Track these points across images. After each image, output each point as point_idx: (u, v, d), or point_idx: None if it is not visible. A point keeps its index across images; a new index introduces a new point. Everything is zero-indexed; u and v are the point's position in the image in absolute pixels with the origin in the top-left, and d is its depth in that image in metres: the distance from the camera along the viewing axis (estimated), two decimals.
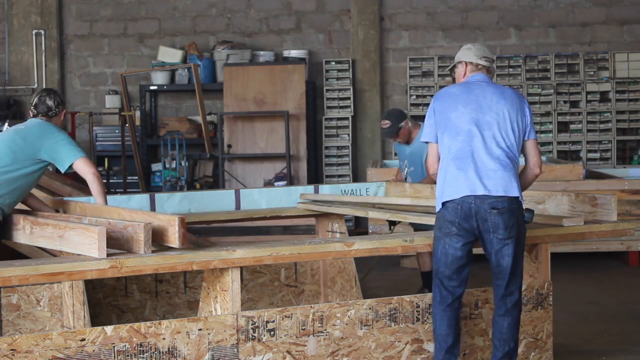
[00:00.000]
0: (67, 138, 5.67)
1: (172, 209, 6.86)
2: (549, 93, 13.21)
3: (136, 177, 12.99)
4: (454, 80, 5.56)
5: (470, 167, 5.03)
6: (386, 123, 7.74)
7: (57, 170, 6.60)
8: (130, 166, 13.21)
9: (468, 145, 5.06)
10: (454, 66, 5.41)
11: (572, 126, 13.23)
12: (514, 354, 5.18)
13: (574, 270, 9.27)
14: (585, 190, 8.62)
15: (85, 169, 5.58)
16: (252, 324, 4.86)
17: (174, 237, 4.71)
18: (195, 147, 13.26)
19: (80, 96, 14.04)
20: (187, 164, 12.64)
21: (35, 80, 13.73)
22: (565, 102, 13.26)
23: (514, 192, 5.03)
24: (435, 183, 5.29)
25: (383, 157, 12.99)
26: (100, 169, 13.29)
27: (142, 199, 6.98)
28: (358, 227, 12.26)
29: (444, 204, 5.07)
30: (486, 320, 5.45)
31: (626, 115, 13.19)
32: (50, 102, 5.74)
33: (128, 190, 12.70)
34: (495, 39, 13.68)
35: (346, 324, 5.11)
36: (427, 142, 5.27)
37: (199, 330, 4.74)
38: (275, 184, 11.79)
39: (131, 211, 5.15)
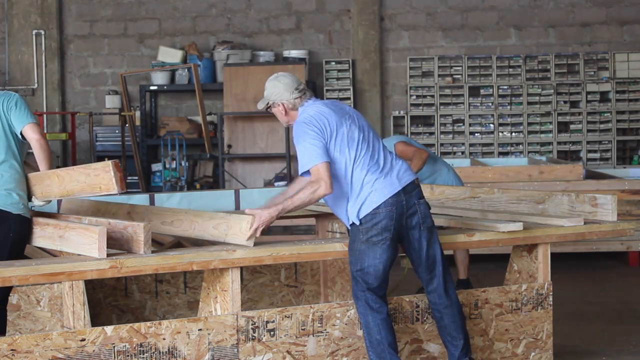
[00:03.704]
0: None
1: None
2: (549, 93, 13.21)
3: (136, 177, 13.00)
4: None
5: (388, 173, 4.97)
6: None
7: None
8: (130, 166, 13.21)
9: (380, 158, 5.00)
10: (269, 105, 5.43)
11: (572, 126, 13.24)
12: (468, 339, 5.15)
13: (574, 270, 9.26)
14: (585, 191, 8.62)
15: (30, 134, 5.08)
16: (252, 324, 4.85)
17: (111, 184, 4.62)
18: (195, 147, 13.27)
19: (80, 96, 14.04)
20: (187, 164, 12.64)
21: (35, 80, 13.74)
22: (565, 102, 13.27)
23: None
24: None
25: None
26: None
27: (142, 199, 6.98)
28: None
29: (372, 212, 4.89)
30: (486, 320, 5.44)
31: (626, 115, 13.20)
32: None
33: (128, 190, 12.70)
34: (495, 39, 13.68)
35: (346, 324, 5.11)
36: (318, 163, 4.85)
37: (199, 330, 4.74)
38: (275, 184, 11.78)
39: (69, 170, 4.92)
